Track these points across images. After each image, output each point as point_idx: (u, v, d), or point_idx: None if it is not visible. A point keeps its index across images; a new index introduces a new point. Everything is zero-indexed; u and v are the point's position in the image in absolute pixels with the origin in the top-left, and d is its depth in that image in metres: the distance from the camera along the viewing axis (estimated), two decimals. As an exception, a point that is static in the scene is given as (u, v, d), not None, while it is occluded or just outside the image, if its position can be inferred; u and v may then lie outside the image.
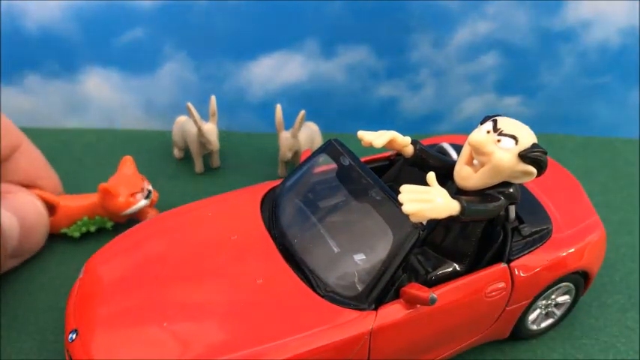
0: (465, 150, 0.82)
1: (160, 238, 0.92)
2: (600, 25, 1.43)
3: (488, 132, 0.80)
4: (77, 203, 1.13)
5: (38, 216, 1.06)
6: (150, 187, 1.15)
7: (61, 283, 1.06)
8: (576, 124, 1.57)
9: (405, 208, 0.73)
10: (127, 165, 1.15)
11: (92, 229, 1.14)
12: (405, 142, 0.86)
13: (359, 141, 0.85)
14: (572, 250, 0.94)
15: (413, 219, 0.74)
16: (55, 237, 1.13)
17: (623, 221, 1.26)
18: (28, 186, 1.10)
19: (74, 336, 0.80)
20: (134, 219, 1.15)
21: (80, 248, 1.12)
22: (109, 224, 1.15)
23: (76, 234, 1.13)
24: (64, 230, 1.13)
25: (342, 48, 1.44)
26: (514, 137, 0.79)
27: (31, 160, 1.10)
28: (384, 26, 1.42)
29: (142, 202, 1.12)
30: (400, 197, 0.74)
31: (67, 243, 1.13)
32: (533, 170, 0.79)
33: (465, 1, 1.39)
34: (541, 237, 0.93)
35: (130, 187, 1.12)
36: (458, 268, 0.87)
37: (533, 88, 1.53)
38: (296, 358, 0.76)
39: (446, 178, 0.88)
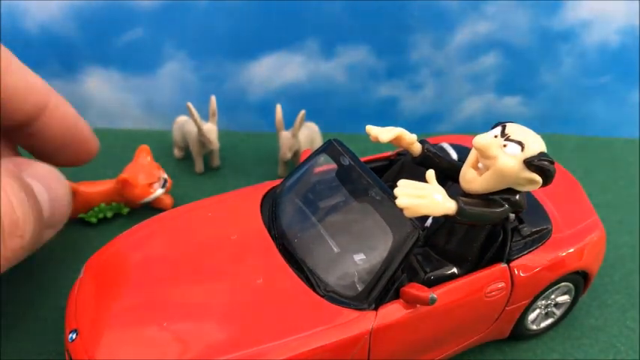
0: (472, 153, 0.82)
1: (160, 238, 0.92)
2: (600, 25, 1.43)
3: (495, 136, 0.80)
4: (94, 189, 1.16)
5: (61, 183, 1.05)
6: (165, 176, 1.19)
7: (61, 283, 1.06)
8: (576, 124, 1.57)
9: (399, 202, 0.73)
10: (143, 154, 1.19)
11: (109, 214, 1.18)
12: (411, 140, 0.86)
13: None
14: (572, 250, 0.94)
15: (406, 213, 0.74)
16: (56, 236, 1.13)
17: (623, 221, 1.26)
18: (60, 146, 1.08)
19: (74, 336, 0.80)
20: (149, 205, 1.19)
21: (81, 248, 1.12)
22: (125, 210, 1.19)
23: (94, 219, 1.17)
24: (81, 215, 1.17)
25: (342, 48, 1.45)
26: (520, 143, 0.79)
27: (61, 120, 1.07)
28: (384, 26, 1.42)
29: (159, 192, 1.17)
30: (396, 191, 0.74)
31: (68, 243, 1.13)
32: (539, 179, 0.79)
33: (465, 1, 1.39)
34: (541, 237, 0.93)
35: (147, 178, 1.16)
36: (457, 272, 0.87)
37: (533, 88, 1.53)
38: (296, 358, 0.76)
39: (450, 180, 0.88)
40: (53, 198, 1.01)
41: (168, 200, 1.21)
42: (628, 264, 1.16)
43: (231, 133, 1.43)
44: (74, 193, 1.13)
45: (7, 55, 0.97)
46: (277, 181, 0.99)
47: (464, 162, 0.84)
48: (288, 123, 1.27)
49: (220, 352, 0.75)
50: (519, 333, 0.99)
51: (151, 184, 1.16)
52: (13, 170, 0.90)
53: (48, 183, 1.01)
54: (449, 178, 0.88)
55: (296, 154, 1.27)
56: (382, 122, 0.88)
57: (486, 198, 0.81)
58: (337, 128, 1.46)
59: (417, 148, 0.87)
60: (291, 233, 0.88)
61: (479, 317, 0.91)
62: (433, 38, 1.44)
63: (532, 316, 0.98)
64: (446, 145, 1.05)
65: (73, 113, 1.10)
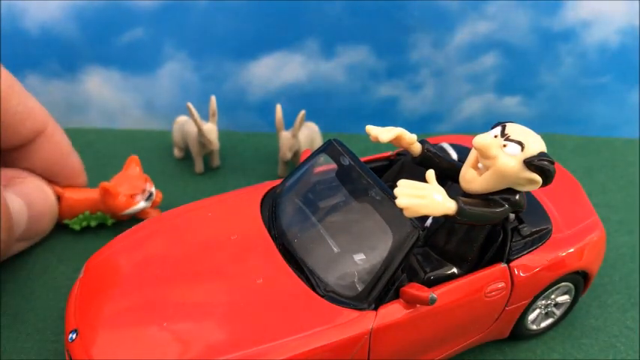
0: (472, 153, 0.83)
1: (160, 238, 0.92)
2: (600, 25, 1.43)
3: (495, 136, 0.80)
4: (81, 196, 1.14)
5: (47, 201, 1.08)
6: (152, 189, 1.15)
7: (61, 283, 1.06)
8: (576, 124, 1.57)
9: (399, 202, 0.73)
10: (132, 165, 1.15)
11: (93, 223, 1.15)
12: (411, 140, 0.86)
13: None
14: (572, 250, 0.94)
15: (406, 213, 0.74)
16: (56, 237, 1.14)
17: (623, 221, 1.26)
18: (48, 173, 1.10)
19: (74, 336, 0.80)
20: (135, 217, 1.16)
21: (80, 248, 1.12)
22: (110, 221, 1.16)
23: (77, 227, 1.14)
24: (65, 221, 1.15)
25: (342, 48, 1.45)
26: (520, 143, 0.79)
27: (54, 146, 1.08)
28: (384, 26, 1.42)
29: (141, 204, 1.13)
30: (396, 191, 0.74)
31: (67, 243, 1.13)
32: (539, 179, 0.79)
33: (465, 1, 1.39)
34: (541, 237, 0.93)
35: (130, 188, 1.12)
36: (457, 272, 0.87)
37: (533, 88, 1.53)
38: (296, 358, 0.76)
39: (450, 180, 0.88)
40: (33, 215, 1.05)
41: (154, 214, 1.17)
42: (628, 264, 1.16)
43: (231, 133, 1.43)
44: (59, 198, 1.12)
45: (9, 78, 0.98)
46: (277, 181, 0.99)
47: (464, 162, 0.84)
48: (288, 123, 1.27)
49: (220, 352, 0.75)
50: (519, 333, 0.99)
51: (133, 196, 1.11)
52: None
53: (31, 200, 1.05)
54: (449, 178, 0.88)
55: (296, 154, 1.27)
56: (382, 122, 0.88)
57: (486, 198, 0.81)
58: (337, 128, 1.46)
59: (416, 148, 0.87)
60: (291, 233, 0.88)
61: (479, 317, 0.91)
62: (433, 38, 1.44)
63: (532, 316, 0.98)
64: (446, 145, 1.05)
65: (66, 144, 1.12)
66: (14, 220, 0.99)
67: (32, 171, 1.09)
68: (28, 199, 1.04)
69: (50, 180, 1.11)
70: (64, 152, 1.11)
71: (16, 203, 1.01)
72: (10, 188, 1.03)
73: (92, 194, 1.14)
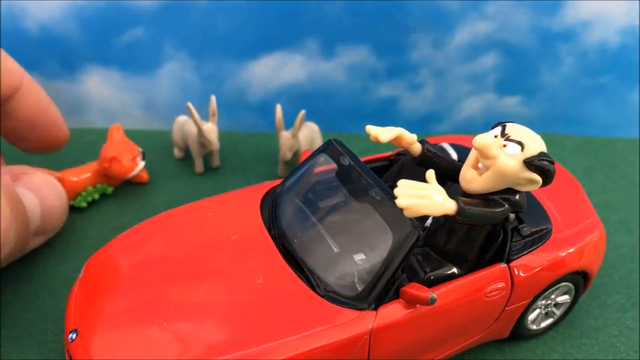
0: (472, 153, 0.83)
1: (160, 238, 0.92)
2: (600, 25, 1.43)
3: (495, 136, 0.80)
4: (79, 176, 1.19)
5: (57, 195, 1.10)
6: (141, 149, 1.24)
7: (61, 283, 1.06)
8: (576, 124, 1.57)
9: (399, 202, 0.73)
10: (118, 132, 1.22)
11: (96, 196, 1.21)
12: (411, 140, 0.86)
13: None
14: (572, 250, 0.94)
15: (406, 213, 0.74)
16: (56, 237, 1.13)
17: (623, 221, 1.26)
18: (32, 128, 1.10)
19: (74, 336, 0.80)
20: (130, 181, 1.24)
21: (80, 249, 1.12)
22: (109, 190, 1.23)
23: (83, 204, 1.19)
24: (71, 202, 1.18)
25: (342, 48, 1.45)
26: (520, 143, 0.79)
27: (34, 100, 1.09)
28: (384, 26, 1.42)
29: (142, 164, 1.22)
30: (396, 191, 0.74)
31: (67, 243, 1.13)
32: (539, 179, 0.79)
33: (465, 1, 1.39)
34: (541, 237, 0.93)
35: (130, 152, 1.20)
36: (457, 272, 0.87)
37: (533, 88, 1.53)
38: (296, 358, 0.76)
39: (450, 180, 0.88)
40: (46, 209, 1.05)
41: (145, 175, 1.26)
42: (628, 264, 1.16)
43: (231, 133, 1.43)
44: (60, 182, 1.15)
45: None
46: (277, 181, 0.99)
47: (464, 162, 0.84)
48: (288, 123, 1.27)
49: (220, 352, 0.75)
50: (519, 333, 0.99)
51: (134, 158, 1.20)
52: (6, 184, 0.91)
53: (42, 194, 1.05)
54: (449, 178, 0.88)
55: (296, 154, 1.27)
56: (382, 122, 0.88)
57: (486, 198, 0.82)
58: (337, 128, 1.46)
59: (417, 148, 0.87)
60: (291, 233, 0.88)
61: (479, 317, 0.91)
62: (433, 38, 1.44)
63: (532, 316, 0.98)
64: (446, 145, 1.05)
65: (45, 96, 1.12)
66: (29, 215, 0.99)
67: (18, 128, 1.09)
68: (40, 193, 1.05)
69: (36, 134, 1.12)
70: (45, 105, 1.11)
71: (28, 198, 1.02)
72: (19, 183, 1.04)
73: (88, 170, 1.20)
